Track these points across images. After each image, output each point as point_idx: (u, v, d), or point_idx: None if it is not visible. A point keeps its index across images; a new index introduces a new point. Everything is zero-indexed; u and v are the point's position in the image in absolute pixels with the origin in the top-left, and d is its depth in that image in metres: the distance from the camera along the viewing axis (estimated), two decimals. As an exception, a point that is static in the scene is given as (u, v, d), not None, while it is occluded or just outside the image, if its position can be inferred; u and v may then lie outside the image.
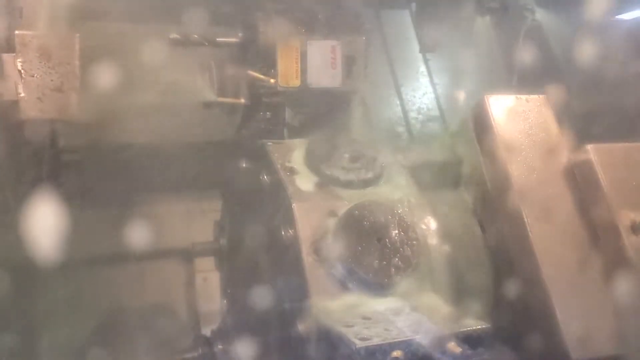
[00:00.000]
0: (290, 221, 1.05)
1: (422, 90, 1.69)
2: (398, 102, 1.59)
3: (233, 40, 1.28)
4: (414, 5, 1.73)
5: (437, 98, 1.67)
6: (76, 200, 1.40)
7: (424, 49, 1.69)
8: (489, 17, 1.65)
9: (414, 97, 1.69)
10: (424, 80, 1.68)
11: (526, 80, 1.53)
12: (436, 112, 1.60)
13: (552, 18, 1.63)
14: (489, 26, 1.66)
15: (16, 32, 1.15)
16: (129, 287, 1.59)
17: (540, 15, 1.62)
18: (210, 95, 1.34)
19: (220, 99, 1.33)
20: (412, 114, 1.62)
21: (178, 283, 1.63)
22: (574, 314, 1.05)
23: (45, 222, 1.31)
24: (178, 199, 1.62)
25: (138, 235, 1.38)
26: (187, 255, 1.58)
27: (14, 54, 1.15)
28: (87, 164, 1.45)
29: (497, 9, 1.62)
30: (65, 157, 1.38)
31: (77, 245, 1.34)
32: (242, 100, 1.32)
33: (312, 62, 1.25)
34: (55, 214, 1.29)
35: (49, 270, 1.33)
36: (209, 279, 1.57)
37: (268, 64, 1.25)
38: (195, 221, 1.63)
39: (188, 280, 1.61)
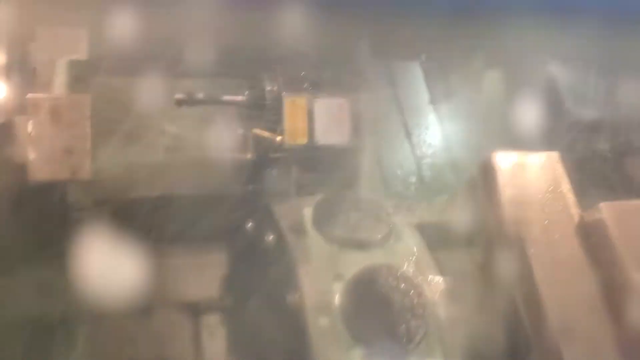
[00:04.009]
0: (295, 285, 1.04)
1: (433, 142, 1.68)
2: (409, 153, 1.58)
3: (239, 98, 1.29)
4: (423, 56, 1.74)
5: (447, 150, 1.65)
6: (85, 255, 1.41)
7: (434, 100, 1.69)
8: (500, 70, 1.65)
9: (425, 148, 1.68)
10: (435, 132, 1.67)
11: (538, 135, 1.51)
12: (447, 163, 1.58)
13: (567, 71, 1.62)
14: (500, 79, 1.66)
15: (28, 95, 1.17)
16: (135, 341, 1.57)
17: (554, 68, 1.61)
18: (217, 151, 1.34)
19: (227, 155, 1.34)
20: (423, 166, 1.61)
21: (184, 337, 1.61)
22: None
23: (54, 279, 1.31)
24: (185, 252, 1.61)
25: (146, 288, 1.36)
26: (194, 310, 1.56)
27: (26, 116, 1.17)
28: (95, 220, 1.45)
29: (509, 63, 1.62)
30: (74, 215, 1.39)
31: (85, 299, 1.34)
32: (249, 155, 1.32)
33: (320, 119, 1.25)
34: (65, 270, 1.29)
35: (57, 325, 1.33)
36: (216, 335, 1.55)
37: (275, 121, 1.26)
38: (203, 274, 1.61)
39: (195, 335, 1.59)
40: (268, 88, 1.26)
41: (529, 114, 1.59)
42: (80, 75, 1.34)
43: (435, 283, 1.12)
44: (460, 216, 1.23)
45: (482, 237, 1.21)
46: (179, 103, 1.25)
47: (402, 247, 1.14)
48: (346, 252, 1.11)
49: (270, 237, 1.16)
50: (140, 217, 1.48)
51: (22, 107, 1.19)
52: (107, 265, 1.53)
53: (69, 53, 1.35)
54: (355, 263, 1.08)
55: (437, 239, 1.20)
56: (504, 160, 1.20)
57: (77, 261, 1.35)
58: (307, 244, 1.11)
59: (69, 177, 1.19)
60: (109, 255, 1.52)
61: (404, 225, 1.19)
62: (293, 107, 1.25)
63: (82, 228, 1.40)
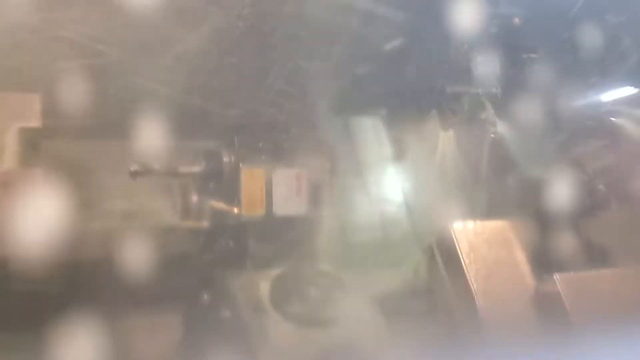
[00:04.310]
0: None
1: (394, 201, 1.68)
2: (370, 217, 1.58)
3: (196, 170, 1.28)
4: (384, 110, 1.75)
5: (407, 206, 1.66)
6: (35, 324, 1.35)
7: (395, 156, 1.69)
8: (452, 131, 1.67)
9: (386, 208, 1.68)
10: (397, 191, 1.67)
11: (493, 195, 1.54)
12: (409, 229, 1.58)
13: (514, 130, 1.66)
14: (452, 139, 1.68)
15: (-24, 170, 1.13)
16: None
17: (502, 127, 1.65)
18: (173, 219, 1.32)
19: (183, 223, 1.31)
20: (386, 231, 1.60)
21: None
22: None
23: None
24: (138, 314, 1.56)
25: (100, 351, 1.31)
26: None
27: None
28: (46, 289, 1.40)
29: (458, 124, 1.64)
30: (23, 286, 1.34)
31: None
32: (205, 224, 1.30)
33: (277, 190, 1.24)
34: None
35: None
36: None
37: (232, 193, 1.24)
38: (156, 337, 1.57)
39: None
40: (225, 159, 1.25)
41: (482, 175, 1.62)
42: (33, 144, 1.30)
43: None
44: (419, 286, 1.24)
45: (440, 307, 1.21)
46: (134, 175, 1.22)
47: (360, 323, 1.13)
48: (304, 330, 1.09)
49: (227, 313, 1.13)
50: (92, 282, 1.44)
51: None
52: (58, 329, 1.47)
53: (21, 120, 1.32)
54: (314, 343, 1.06)
55: (395, 310, 1.20)
56: (461, 231, 1.21)
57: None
58: (265, 323, 1.09)
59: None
60: (60, 320, 1.47)
61: (362, 297, 1.18)
62: (250, 178, 1.24)
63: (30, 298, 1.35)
